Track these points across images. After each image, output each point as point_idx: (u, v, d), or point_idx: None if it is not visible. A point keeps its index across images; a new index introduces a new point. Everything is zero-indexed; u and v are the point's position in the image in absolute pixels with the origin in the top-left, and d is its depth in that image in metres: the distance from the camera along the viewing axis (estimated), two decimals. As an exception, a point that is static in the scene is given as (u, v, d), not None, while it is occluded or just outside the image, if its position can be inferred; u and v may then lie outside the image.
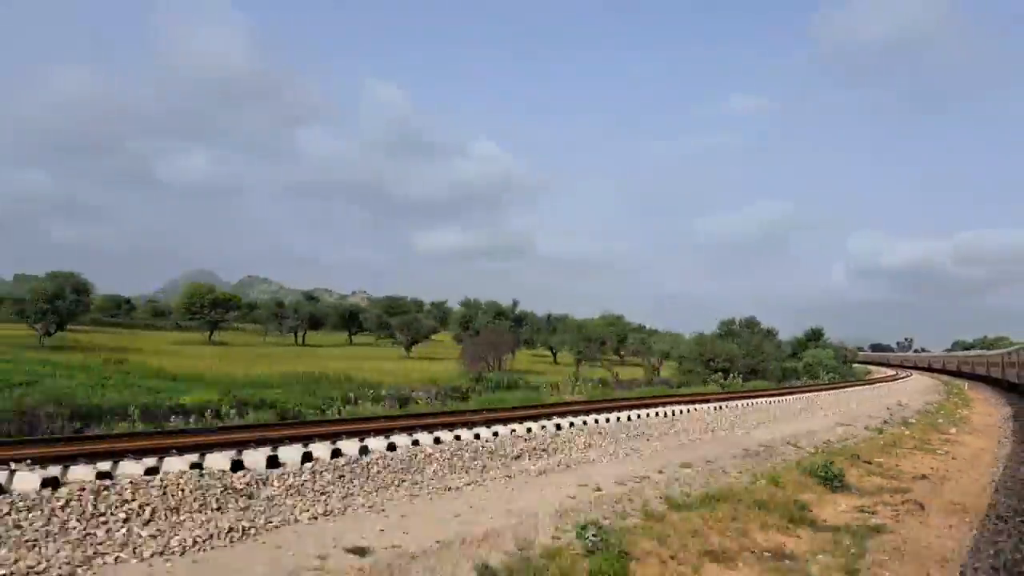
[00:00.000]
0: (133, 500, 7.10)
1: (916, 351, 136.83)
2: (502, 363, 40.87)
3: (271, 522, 7.28)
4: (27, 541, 5.96)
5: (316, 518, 7.62)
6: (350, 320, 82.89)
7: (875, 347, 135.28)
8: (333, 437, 11.10)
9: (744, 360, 35.64)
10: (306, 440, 10.72)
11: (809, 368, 51.60)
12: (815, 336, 62.24)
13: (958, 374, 60.15)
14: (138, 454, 8.97)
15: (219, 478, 8.05)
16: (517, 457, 11.69)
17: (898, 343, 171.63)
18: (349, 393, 23.42)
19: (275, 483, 8.39)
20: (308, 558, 6.34)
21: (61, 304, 43.64)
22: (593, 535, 7.65)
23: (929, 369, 72.44)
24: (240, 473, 8.40)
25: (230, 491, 7.88)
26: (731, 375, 33.66)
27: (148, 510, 7.00)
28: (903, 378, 51.91)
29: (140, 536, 6.44)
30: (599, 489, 9.91)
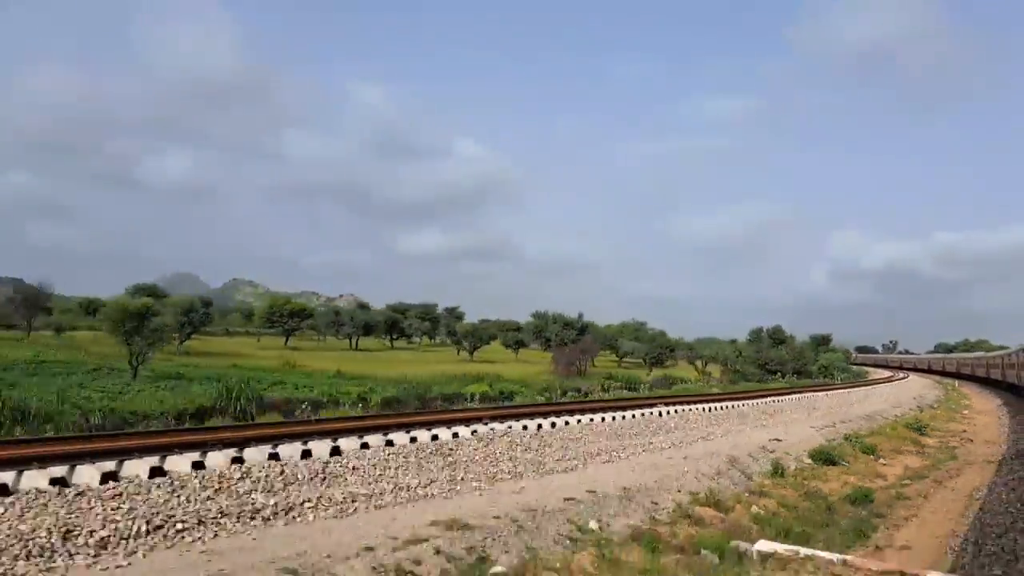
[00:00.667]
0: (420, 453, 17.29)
1: (901, 353, 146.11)
2: (586, 367, 51.14)
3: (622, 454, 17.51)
4: (391, 472, 11.34)
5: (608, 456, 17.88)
6: (391, 327, 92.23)
7: (860, 349, 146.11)
8: (608, 410, 21.18)
9: (792, 363, 46.46)
10: (586, 412, 20.93)
11: (824, 369, 62.64)
12: (824, 341, 73.45)
13: (956, 375, 63.98)
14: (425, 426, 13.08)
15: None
16: (740, 418, 22.03)
17: (884, 345, 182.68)
18: (518, 388, 33.06)
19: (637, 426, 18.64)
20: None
21: (194, 316, 53.16)
22: (848, 439, 18.03)
23: (929, 371, 76.68)
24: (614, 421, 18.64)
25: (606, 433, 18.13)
26: (785, 375, 44.39)
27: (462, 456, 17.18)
28: (903, 379, 63.08)
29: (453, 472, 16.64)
30: (813, 428, 20.25)
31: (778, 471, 12.62)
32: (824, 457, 14.65)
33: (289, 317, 76.85)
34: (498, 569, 6.20)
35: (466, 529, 6.96)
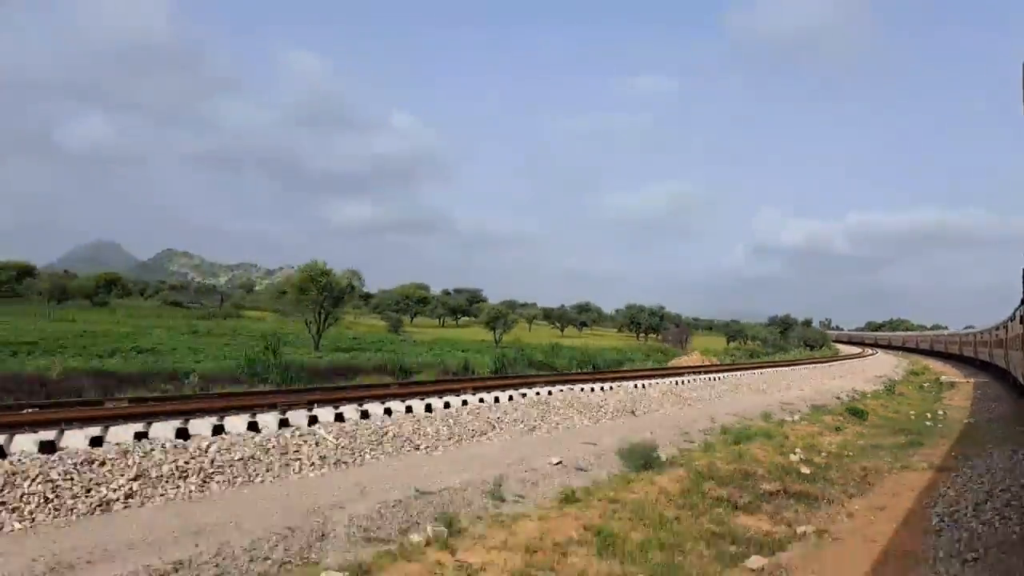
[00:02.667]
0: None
1: (834, 329, 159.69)
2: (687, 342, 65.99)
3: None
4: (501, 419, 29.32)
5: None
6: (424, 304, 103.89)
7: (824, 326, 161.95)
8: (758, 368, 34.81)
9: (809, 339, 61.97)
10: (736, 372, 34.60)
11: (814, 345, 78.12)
12: (807, 323, 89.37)
13: (931, 353, 68.30)
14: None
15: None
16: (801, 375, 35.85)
17: (820, 323, 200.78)
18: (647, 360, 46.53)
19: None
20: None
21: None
22: (885, 386, 31.91)
23: (903, 348, 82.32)
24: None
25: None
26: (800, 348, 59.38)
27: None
28: (873, 355, 78.50)
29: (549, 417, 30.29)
30: (855, 386, 34.11)
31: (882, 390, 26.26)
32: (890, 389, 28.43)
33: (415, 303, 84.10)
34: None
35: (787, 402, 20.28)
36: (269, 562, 5.92)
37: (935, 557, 7.30)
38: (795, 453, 13.02)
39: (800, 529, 8.37)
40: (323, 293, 42.59)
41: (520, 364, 33.22)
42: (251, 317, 76.33)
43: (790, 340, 73.67)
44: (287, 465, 8.76)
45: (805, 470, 11.80)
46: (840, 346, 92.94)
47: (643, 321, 73.71)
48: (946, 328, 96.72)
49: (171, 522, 6.54)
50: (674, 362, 38.93)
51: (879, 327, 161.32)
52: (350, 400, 12.41)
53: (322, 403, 11.81)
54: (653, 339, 68.62)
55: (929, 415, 21.67)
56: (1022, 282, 12.42)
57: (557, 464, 10.03)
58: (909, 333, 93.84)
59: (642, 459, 10.30)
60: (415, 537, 6.70)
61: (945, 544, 7.73)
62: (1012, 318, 19.49)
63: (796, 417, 17.86)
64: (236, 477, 8.14)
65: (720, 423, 15.39)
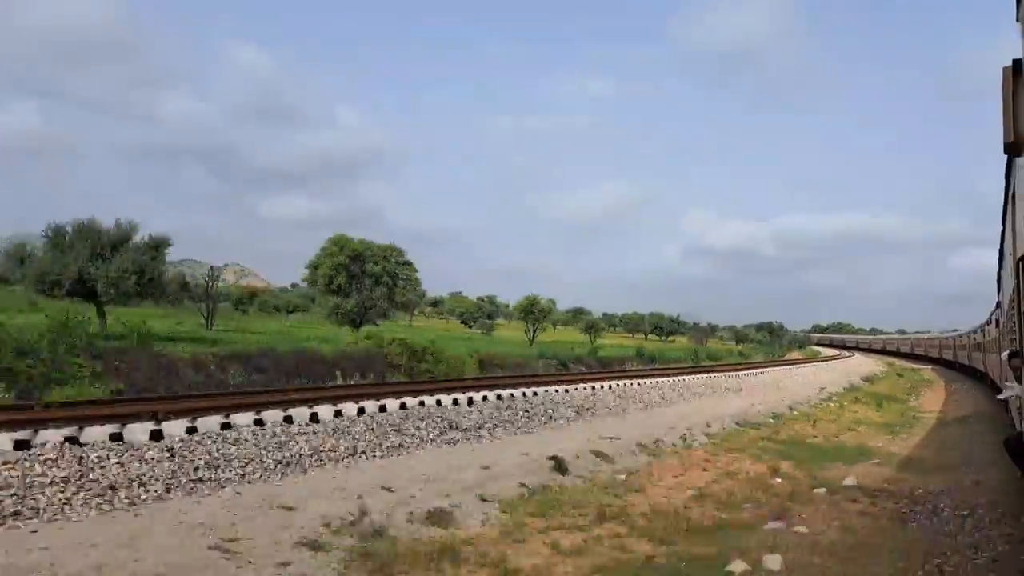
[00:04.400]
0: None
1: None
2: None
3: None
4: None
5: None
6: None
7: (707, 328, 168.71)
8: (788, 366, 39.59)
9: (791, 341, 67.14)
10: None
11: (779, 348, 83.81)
12: (782, 327, 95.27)
13: (909, 356, 69.70)
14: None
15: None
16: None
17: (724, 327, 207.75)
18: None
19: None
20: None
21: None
22: (865, 380, 36.81)
23: (880, 351, 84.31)
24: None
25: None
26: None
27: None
28: (848, 356, 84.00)
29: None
30: (849, 374, 38.97)
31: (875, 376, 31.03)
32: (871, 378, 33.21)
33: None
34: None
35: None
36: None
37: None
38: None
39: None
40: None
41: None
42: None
43: (783, 342, 79.35)
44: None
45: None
46: (818, 348, 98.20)
47: (665, 326, 80.00)
48: (928, 332, 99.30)
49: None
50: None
51: (824, 330, 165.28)
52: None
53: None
54: (678, 339, 74.86)
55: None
56: (997, 287, 12.35)
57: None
58: (889, 336, 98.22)
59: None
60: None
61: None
62: (988, 322, 19.95)
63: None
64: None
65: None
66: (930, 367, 54.21)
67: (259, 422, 10.10)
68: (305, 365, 18.84)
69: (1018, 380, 6.96)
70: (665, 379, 22.96)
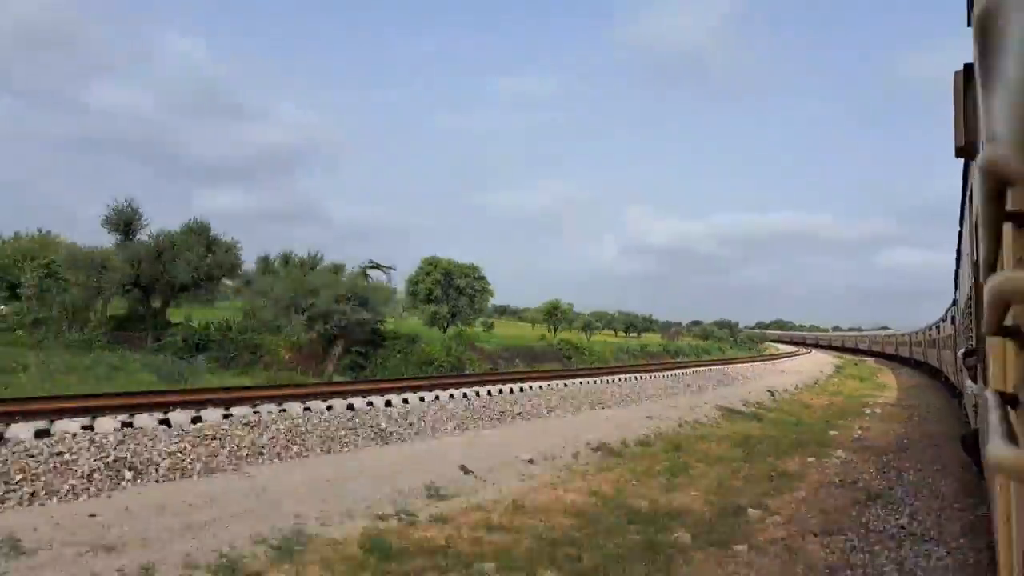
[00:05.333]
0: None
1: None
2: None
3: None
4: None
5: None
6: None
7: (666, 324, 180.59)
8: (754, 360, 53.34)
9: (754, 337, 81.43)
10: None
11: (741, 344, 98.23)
12: (737, 325, 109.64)
13: (866, 352, 73.93)
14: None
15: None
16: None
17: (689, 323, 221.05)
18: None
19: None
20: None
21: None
22: (839, 367, 50.98)
23: (838, 348, 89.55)
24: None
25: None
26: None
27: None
28: (807, 352, 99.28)
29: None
30: (825, 364, 53.06)
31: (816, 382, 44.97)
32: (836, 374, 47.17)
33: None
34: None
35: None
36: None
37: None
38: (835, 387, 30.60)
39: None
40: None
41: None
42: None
43: (740, 339, 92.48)
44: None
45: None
46: (776, 345, 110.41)
47: (638, 324, 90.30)
48: (887, 328, 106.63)
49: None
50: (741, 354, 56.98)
51: (767, 326, 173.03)
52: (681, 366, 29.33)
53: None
54: (649, 336, 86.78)
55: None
56: (954, 285, 12.52)
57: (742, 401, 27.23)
58: (847, 333, 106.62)
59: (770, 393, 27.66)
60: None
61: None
62: (944, 319, 20.38)
63: (829, 374, 35.70)
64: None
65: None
66: (872, 360, 64.64)
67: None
68: (534, 355, 31.29)
69: (972, 379, 7.31)
70: (734, 366, 35.90)
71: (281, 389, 14.55)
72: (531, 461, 10.55)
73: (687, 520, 7.88)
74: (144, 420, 10.01)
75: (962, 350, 7.95)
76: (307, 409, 12.19)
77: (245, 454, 9.56)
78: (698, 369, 30.81)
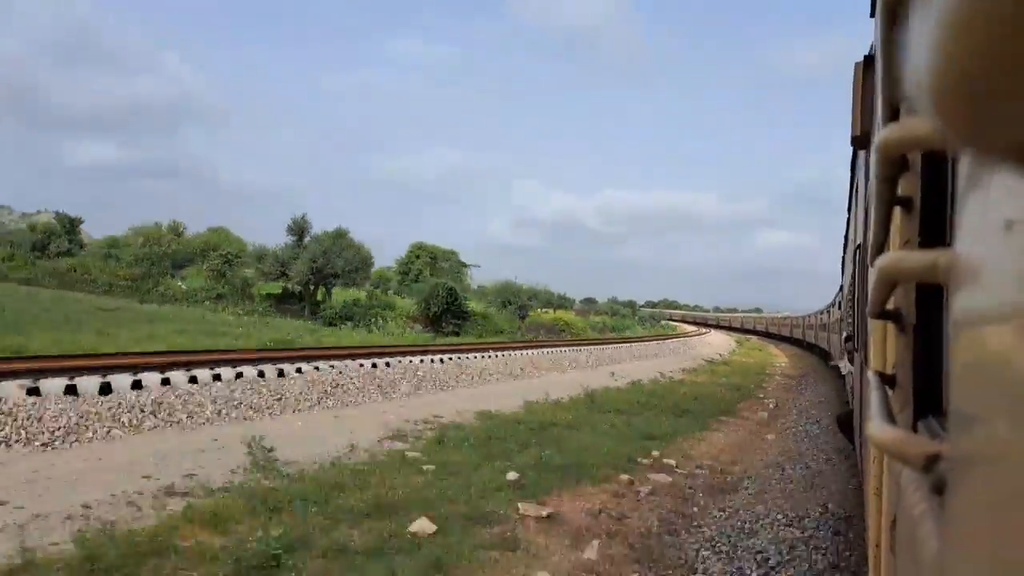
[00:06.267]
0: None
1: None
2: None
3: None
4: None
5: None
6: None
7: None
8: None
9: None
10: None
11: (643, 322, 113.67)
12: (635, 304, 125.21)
13: (762, 334, 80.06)
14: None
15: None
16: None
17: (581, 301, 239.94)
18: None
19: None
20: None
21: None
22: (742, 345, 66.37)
23: (736, 329, 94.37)
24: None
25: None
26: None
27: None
28: (707, 332, 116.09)
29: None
30: (729, 341, 68.37)
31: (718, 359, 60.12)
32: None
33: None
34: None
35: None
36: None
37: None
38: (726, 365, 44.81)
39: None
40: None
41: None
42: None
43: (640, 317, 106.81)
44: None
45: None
46: (675, 324, 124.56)
47: (554, 301, 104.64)
48: (760, 310, 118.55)
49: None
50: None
51: (655, 305, 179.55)
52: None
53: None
54: (562, 314, 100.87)
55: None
56: (841, 271, 12.52)
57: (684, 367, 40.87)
58: (745, 315, 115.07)
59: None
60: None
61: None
62: (832, 304, 20.94)
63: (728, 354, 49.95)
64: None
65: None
66: (756, 339, 75.52)
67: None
68: (547, 329, 43.81)
69: (850, 361, 7.41)
70: (667, 341, 49.41)
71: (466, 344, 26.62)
72: (613, 376, 22.88)
73: (723, 396, 20.56)
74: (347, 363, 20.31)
75: (844, 334, 8.10)
76: (486, 356, 24.32)
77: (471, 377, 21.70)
78: (645, 343, 43.55)
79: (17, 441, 8.17)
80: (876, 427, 1.00)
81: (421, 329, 34.32)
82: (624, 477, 8.22)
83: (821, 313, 30.44)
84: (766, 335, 77.79)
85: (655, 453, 9.89)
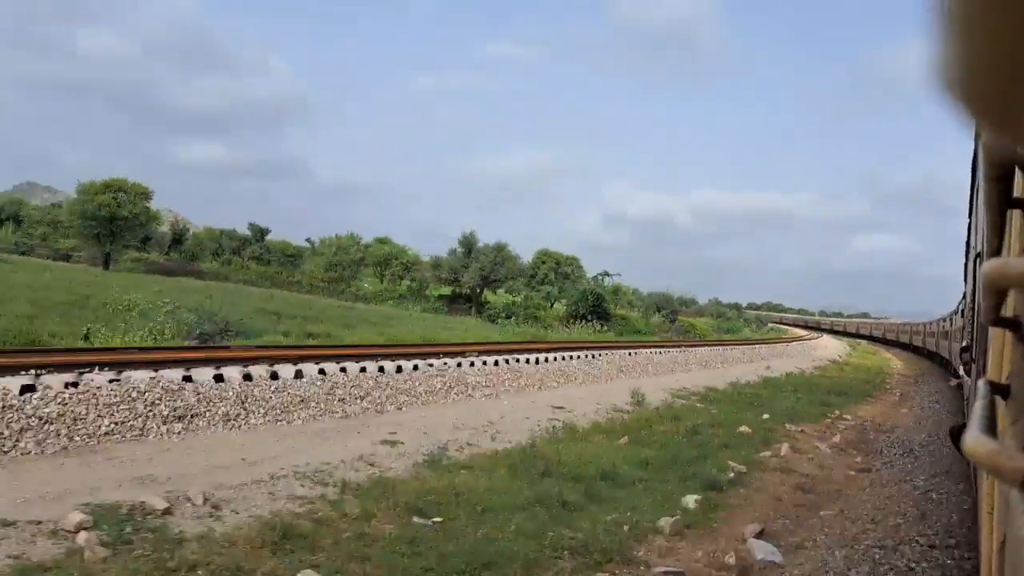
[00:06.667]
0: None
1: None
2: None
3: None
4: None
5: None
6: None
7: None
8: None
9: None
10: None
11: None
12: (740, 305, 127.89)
13: (877, 340, 78.82)
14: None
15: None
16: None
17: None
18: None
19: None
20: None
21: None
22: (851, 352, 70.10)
23: (849, 334, 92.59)
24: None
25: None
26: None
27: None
28: (819, 337, 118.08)
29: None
30: (841, 345, 72.15)
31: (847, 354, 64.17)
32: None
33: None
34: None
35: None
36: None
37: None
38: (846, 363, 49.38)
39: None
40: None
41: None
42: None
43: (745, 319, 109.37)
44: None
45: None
46: (782, 327, 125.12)
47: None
48: (867, 315, 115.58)
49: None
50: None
51: (759, 308, 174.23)
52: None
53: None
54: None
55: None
56: (964, 278, 11.72)
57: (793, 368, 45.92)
58: (860, 320, 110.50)
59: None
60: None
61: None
62: (955, 312, 20.20)
63: (847, 356, 54.46)
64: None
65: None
66: (865, 343, 76.69)
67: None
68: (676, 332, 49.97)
69: (967, 373, 7.17)
70: (790, 344, 54.39)
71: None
72: (769, 369, 28.93)
73: (858, 386, 26.21)
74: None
75: (963, 343, 7.65)
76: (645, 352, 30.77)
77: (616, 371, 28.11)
78: (771, 345, 48.78)
79: (406, 403, 12.68)
80: (973, 438, 0.89)
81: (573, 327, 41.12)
82: (826, 420, 14.65)
83: (943, 320, 30.30)
84: (881, 341, 78.03)
85: (836, 412, 16.21)
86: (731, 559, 6.10)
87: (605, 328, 42.22)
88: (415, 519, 6.28)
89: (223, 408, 9.75)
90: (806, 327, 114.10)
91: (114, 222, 39.39)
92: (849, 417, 15.83)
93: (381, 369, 13.20)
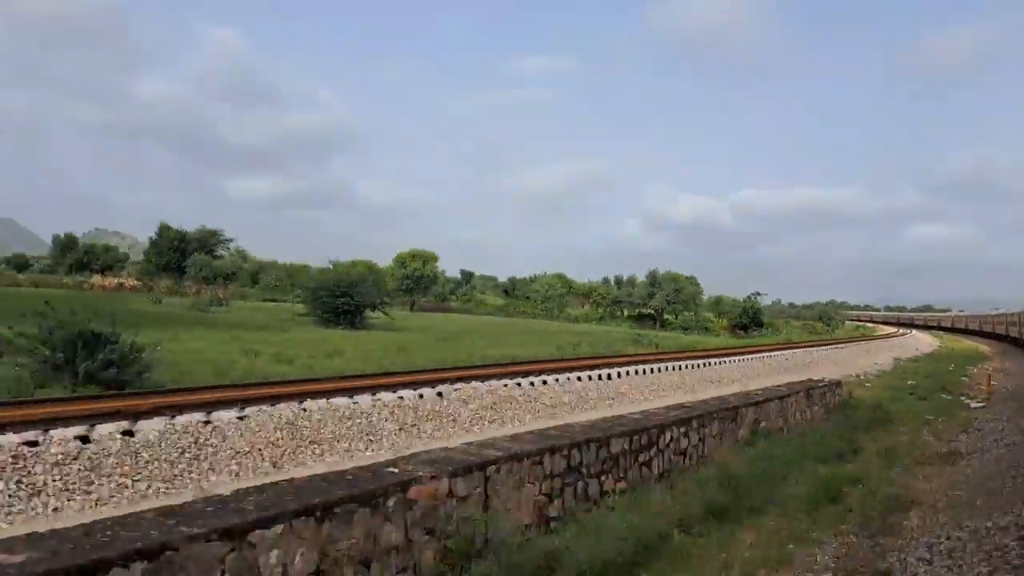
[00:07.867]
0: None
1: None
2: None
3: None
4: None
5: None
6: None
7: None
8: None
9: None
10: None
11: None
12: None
13: (968, 332, 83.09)
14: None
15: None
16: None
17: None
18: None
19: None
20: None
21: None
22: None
23: (937, 328, 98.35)
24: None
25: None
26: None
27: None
28: (910, 332, 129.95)
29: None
30: (933, 338, 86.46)
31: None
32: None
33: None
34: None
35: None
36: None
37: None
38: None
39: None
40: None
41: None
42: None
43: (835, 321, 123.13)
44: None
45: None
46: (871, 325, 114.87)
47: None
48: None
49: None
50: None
51: (824, 307, 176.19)
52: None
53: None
54: None
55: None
56: None
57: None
58: (945, 314, 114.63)
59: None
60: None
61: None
62: None
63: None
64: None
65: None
66: (945, 334, 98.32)
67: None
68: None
69: None
70: (889, 339, 69.21)
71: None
72: (914, 351, 44.58)
73: (970, 356, 41.78)
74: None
75: None
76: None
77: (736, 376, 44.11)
78: (876, 341, 63.28)
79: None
80: None
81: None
82: (980, 365, 30.98)
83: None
84: (969, 332, 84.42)
85: (979, 364, 32.38)
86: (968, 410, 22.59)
87: (764, 333, 58.51)
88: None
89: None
90: (884, 323, 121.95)
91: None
92: (985, 365, 31.81)
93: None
